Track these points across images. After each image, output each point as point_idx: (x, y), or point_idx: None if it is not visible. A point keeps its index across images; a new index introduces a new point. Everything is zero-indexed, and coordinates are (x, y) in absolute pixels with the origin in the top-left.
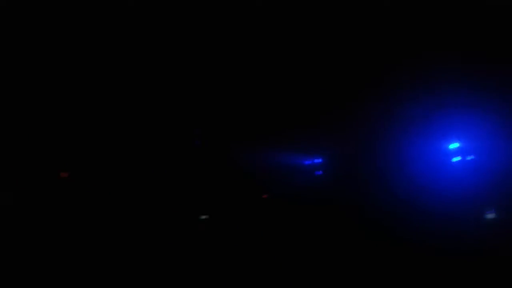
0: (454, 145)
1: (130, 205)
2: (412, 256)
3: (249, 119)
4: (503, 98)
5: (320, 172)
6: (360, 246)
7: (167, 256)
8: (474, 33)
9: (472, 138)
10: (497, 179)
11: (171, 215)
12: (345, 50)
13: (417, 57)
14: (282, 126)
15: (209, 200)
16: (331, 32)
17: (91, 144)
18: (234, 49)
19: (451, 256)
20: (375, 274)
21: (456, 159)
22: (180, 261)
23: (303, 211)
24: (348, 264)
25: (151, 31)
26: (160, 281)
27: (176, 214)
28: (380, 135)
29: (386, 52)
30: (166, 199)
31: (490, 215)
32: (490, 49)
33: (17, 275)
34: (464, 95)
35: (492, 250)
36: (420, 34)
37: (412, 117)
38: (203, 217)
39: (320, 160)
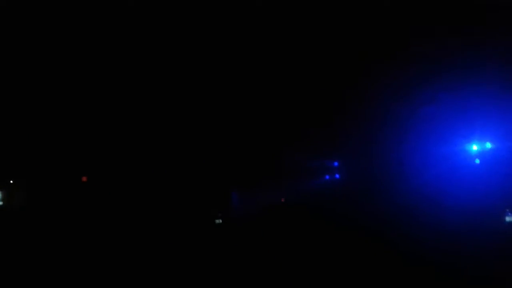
0: (476, 146)
1: (147, 207)
2: (430, 256)
3: (268, 126)
4: None
5: (337, 175)
6: (377, 246)
7: (183, 257)
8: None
9: (495, 140)
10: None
11: (187, 219)
12: (359, 52)
13: (436, 60)
14: (301, 132)
15: (226, 205)
16: (349, 36)
17: (110, 152)
18: (253, 54)
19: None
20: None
21: (477, 161)
22: (197, 263)
23: (319, 214)
24: (365, 263)
25: (163, 38)
26: (176, 282)
27: (192, 218)
28: (398, 138)
29: (403, 53)
30: (182, 203)
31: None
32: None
33: (43, 266)
34: (485, 97)
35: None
36: (438, 35)
37: (432, 119)
38: (218, 221)
39: (336, 164)
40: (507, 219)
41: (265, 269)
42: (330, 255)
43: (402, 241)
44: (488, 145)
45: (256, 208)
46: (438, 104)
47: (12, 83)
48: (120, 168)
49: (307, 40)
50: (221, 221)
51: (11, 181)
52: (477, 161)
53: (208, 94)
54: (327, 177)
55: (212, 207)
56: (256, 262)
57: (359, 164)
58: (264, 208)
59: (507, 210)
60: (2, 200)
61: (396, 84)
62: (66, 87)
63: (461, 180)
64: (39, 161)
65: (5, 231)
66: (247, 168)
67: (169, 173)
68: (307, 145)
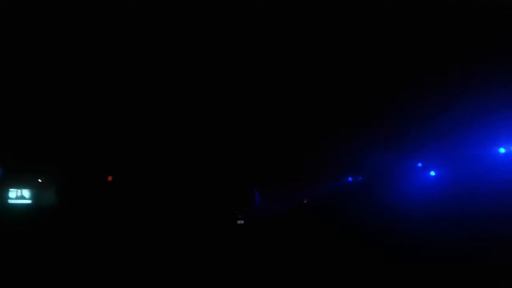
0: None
1: (170, 206)
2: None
3: (292, 127)
4: None
5: (360, 177)
6: (403, 250)
7: (204, 257)
8: None
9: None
10: None
11: (209, 219)
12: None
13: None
14: (324, 133)
15: (248, 205)
16: (376, 43)
17: (135, 153)
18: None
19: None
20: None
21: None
22: (217, 263)
23: (342, 217)
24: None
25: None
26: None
27: (214, 218)
28: (423, 138)
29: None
30: (204, 203)
31: None
32: None
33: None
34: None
35: None
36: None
37: (457, 122)
38: (239, 222)
39: (360, 165)
40: None
41: (284, 270)
42: (351, 258)
43: (429, 242)
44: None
45: (278, 209)
46: (464, 107)
47: (38, 83)
48: (144, 168)
49: (331, 43)
50: (242, 222)
51: (40, 180)
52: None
53: (232, 95)
54: (350, 179)
55: (234, 208)
56: (276, 263)
57: (383, 166)
58: (286, 209)
59: None
60: (31, 198)
61: (424, 86)
62: (92, 89)
63: (488, 183)
64: (67, 160)
65: (34, 228)
66: (270, 169)
67: (192, 173)
68: (330, 146)
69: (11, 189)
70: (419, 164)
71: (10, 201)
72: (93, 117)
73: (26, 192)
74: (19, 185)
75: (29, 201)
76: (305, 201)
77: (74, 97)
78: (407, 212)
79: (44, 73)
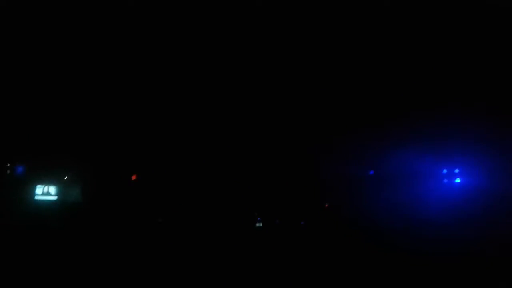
0: None
1: (192, 207)
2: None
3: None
4: None
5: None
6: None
7: (225, 259)
8: None
9: None
10: None
11: (229, 221)
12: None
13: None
14: (344, 136)
15: (268, 209)
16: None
17: (159, 153)
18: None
19: None
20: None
21: None
22: (237, 265)
23: (364, 221)
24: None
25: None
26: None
27: (233, 221)
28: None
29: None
30: (224, 205)
31: None
32: None
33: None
34: None
35: None
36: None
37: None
38: (258, 224)
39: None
40: None
41: (303, 274)
42: (373, 264)
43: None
44: None
45: (299, 213)
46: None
47: (66, 82)
48: (168, 168)
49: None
50: (261, 224)
51: (66, 177)
52: None
53: (258, 101)
54: (372, 186)
55: (253, 211)
56: (295, 267)
57: (408, 171)
58: (307, 213)
59: None
60: (57, 194)
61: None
62: (120, 89)
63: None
64: (93, 157)
65: (59, 224)
66: (292, 172)
67: (213, 174)
68: (354, 148)
69: (37, 186)
70: (445, 171)
71: (36, 197)
72: (120, 116)
73: (52, 189)
74: (45, 181)
75: (54, 197)
76: (326, 206)
77: (102, 95)
78: (430, 216)
79: (71, 72)
